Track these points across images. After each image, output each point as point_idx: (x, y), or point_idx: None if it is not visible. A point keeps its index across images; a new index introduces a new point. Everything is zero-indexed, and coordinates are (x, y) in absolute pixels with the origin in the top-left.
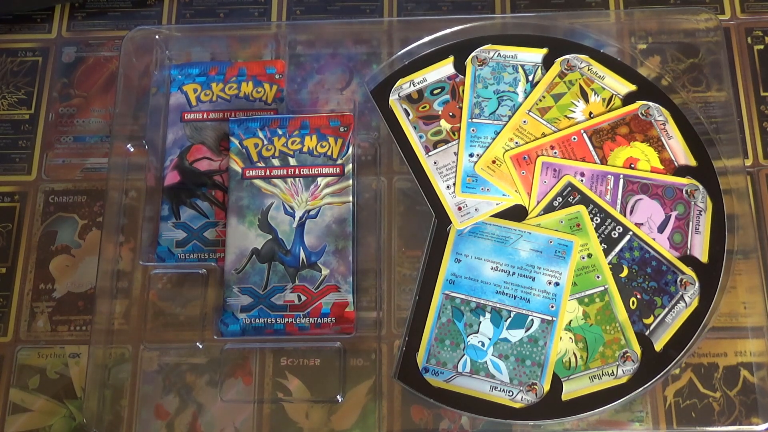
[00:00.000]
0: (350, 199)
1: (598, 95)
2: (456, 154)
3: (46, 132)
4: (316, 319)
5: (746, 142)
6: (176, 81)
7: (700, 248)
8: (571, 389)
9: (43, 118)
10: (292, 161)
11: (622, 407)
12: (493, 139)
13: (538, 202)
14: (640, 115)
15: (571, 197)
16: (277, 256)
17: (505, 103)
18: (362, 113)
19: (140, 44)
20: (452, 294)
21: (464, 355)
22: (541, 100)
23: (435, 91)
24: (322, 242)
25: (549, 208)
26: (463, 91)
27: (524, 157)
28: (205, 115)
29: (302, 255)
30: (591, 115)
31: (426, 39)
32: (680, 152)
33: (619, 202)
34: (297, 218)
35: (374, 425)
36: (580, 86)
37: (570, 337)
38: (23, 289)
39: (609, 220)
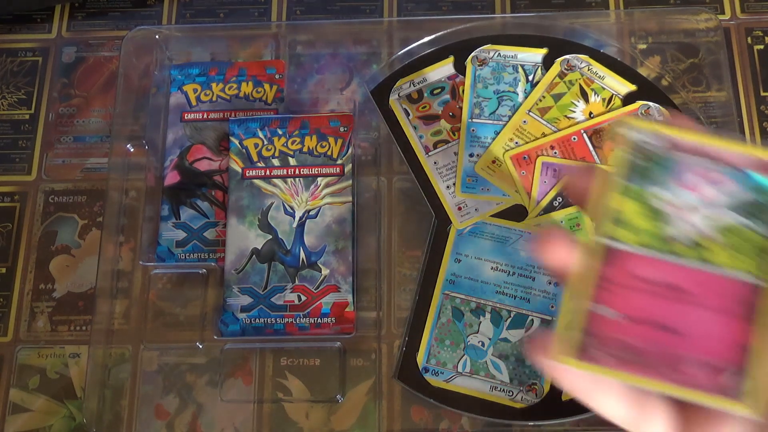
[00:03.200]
0: (350, 199)
1: (598, 95)
2: (456, 154)
3: (46, 132)
4: (316, 319)
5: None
6: (176, 81)
7: None
8: None
9: (43, 118)
10: (292, 161)
11: None
12: (493, 139)
13: (538, 202)
14: (640, 115)
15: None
16: (277, 256)
17: (505, 103)
18: (362, 113)
19: (140, 44)
20: (452, 294)
21: (464, 355)
22: (541, 100)
23: (435, 91)
24: (322, 242)
25: (549, 208)
26: (463, 91)
27: (524, 157)
28: (205, 115)
29: (302, 255)
30: (591, 115)
31: (426, 39)
32: None
33: None
34: (297, 218)
35: (374, 425)
36: (580, 86)
37: None
38: (23, 289)
39: None
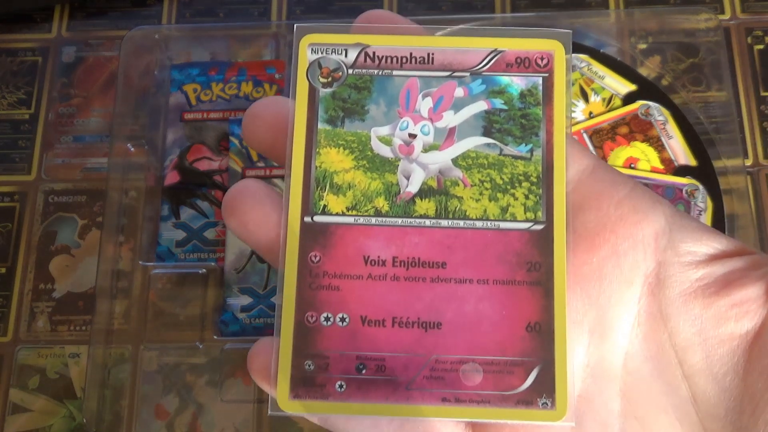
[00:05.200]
0: None
1: (598, 95)
2: None
3: (46, 132)
4: None
5: (746, 142)
6: (176, 81)
7: None
8: None
9: (43, 118)
10: None
11: None
12: None
13: None
14: (640, 115)
15: None
16: None
17: None
18: None
19: (140, 44)
20: None
21: None
22: None
23: None
24: None
25: None
26: None
27: None
28: (205, 115)
29: None
30: (591, 115)
31: None
32: (680, 152)
33: None
34: None
35: None
36: (580, 86)
37: None
38: (23, 289)
39: None
